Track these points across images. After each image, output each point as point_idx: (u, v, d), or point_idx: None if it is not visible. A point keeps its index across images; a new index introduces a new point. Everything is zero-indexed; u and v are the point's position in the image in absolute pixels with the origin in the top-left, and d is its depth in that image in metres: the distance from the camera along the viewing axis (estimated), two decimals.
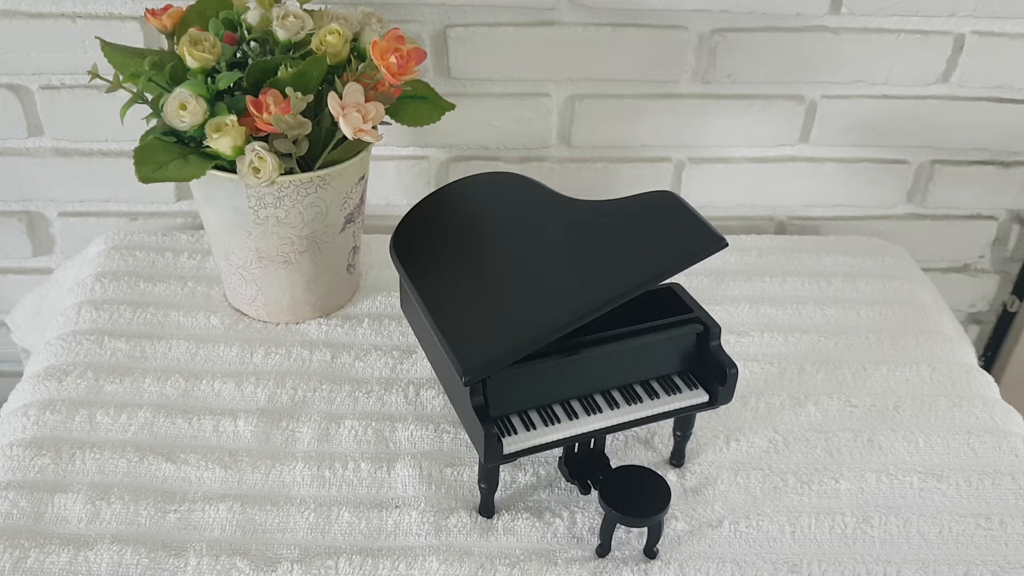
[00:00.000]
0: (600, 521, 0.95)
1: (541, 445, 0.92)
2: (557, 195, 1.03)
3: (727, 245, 0.90)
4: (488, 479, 0.97)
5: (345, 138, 1.04)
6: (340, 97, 1.03)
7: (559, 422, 0.94)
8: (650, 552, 0.96)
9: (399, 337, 1.20)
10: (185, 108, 1.01)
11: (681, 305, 0.99)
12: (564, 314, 0.88)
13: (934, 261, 1.54)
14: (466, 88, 1.32)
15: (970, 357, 1.27)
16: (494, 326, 0.90)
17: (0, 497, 0.98)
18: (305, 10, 1.10)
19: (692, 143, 1.39)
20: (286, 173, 1.06)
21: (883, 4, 1.28)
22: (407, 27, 1.26)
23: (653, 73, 1.32)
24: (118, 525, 0.96)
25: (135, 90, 1.05)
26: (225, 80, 1.03)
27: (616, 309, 0.89)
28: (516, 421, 0.93)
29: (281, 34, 1.07)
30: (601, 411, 0.95)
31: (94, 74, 1.04)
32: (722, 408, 1.10)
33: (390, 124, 1.12)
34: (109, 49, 1.08)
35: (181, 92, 1.01)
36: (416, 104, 1.13)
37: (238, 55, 1.11)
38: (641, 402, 0.96)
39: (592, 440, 1.02)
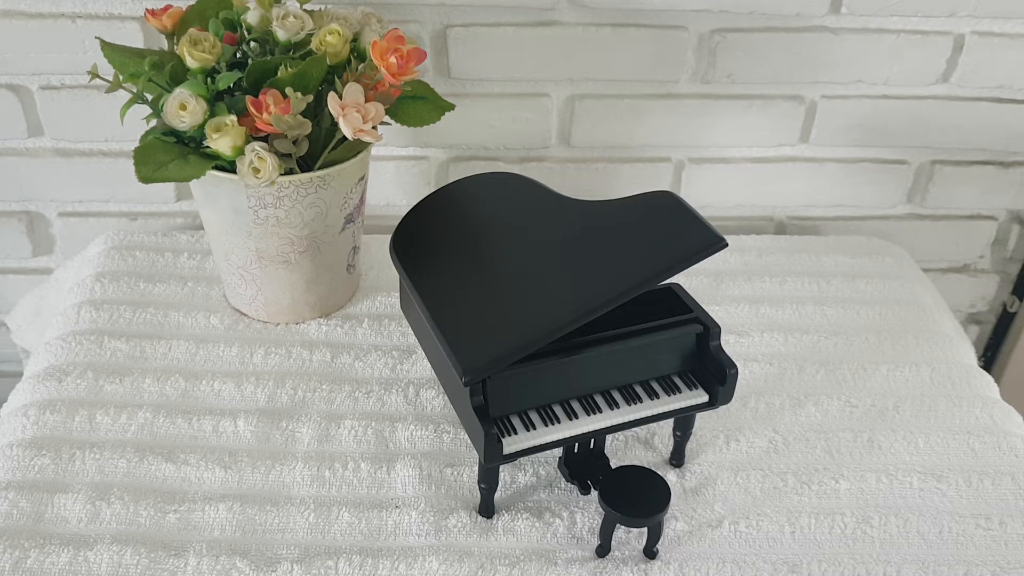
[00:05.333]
0: (600, 521, 0.95)
1: (541, 445, 0.92)
2: (557, 195, 1.03)
3: (727, 245, 0.90)
4: (488, 479, 0.97)
5: (345, 138, 1.04)
6: (340, 97, 1.03)
7: (559, 422, 0.94)
8: (650, 552, 0.96)
9: (399, 337, 1.20)
10: (185, 108, 1.01)
11: (681, 305, 0.99)
12: (564, 314, 0.88)
13: (934, 261, 1.54)
14: (466, 88, 1.32)
15: (970, 357, 1.27)
16: (494, 326, 0.90)
17: (0, 497, 0.98)
18: (305, 10, 1.10)
19: (692, 143, 1.39)
20: (286, 173, 1.06)
21: (883, 4, 1.28)
22: (407, 27, 1.26)
23: (653, 73, 1.32)
24: (118, 525, 0.96)
25: (135, 90, 1.05)
26: (225, 80, 1.03)
27: (616, 309, 0.89)
28: (516, 421, 0.93)
29: (281, 34, 1.07)
30: (601, 411, 0.95)
31: (94, 74, 1.04)
32: (722, 408, 1.10)
33: (390, 124, 1.12)
34: (109, 49, 1.08)
35: (181, 92, 1.01)
36: (416, 104, 1.13)
37: (238, 55, 1.11)
38: (641, 402, 0.96)
39: (592, 440, 1.02)
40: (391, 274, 1.25)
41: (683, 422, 1.03)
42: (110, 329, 1.19)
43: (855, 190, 1.45)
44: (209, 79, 1.04)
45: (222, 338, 1.19)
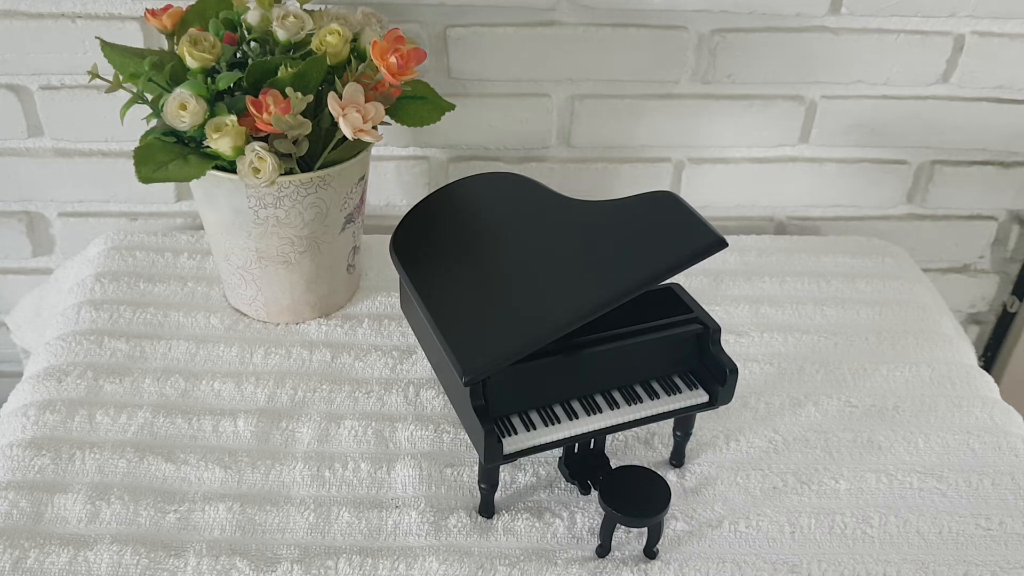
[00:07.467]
0: (600, 521, 0.95)
1: (541, 445, 0.92)
2: (557, 195, 1.03)
3: (727, 245, 0.90)
4: (488, 479, 0.97)
5: (345, 138, 1.04)
6: (340, 97, 1.03)
7: (559, 422, 0.94)
8: (650, 552, 0.96)
9: (399, 337, 1.20)
10: (185, 108, 1.01)
11: (681, 305, 0.99)
12: (564, 314, 0.88)
13: (934, 261, 1.54)
14: (466, 88, 1.32)
15: (970, 357, 1.27)
16: (494, 326, 0.90)
17: (0, 497, 0.98)
18: (305, 10, 1.10)
19: (692, 143, 1.39)
20: (286, 173, 1.06)
21: (883, 4, 1.28)
22: (407, 27, 1.26)
23: (653, 73, 1.32)
24: (118, 525, 0.96)
25: (135, 90, 1.05)
26: (225, 80, 1.03)
27: (616, 309, 0.89)
28: (516, 421, 0.93)
29: (281, 34, 1.07)
30: (601, 411, 0.95)
31: (94, 74, 1.04)
32: (722, 408, 1.10)
33: (390, 124, 1.12)
34: (109, 49, 1.08)
35: (181, 92, 1.01)
36: (416, 104, 1.13)
37: (238, 55, 1.11)
38: (641, 402, 0.96)
39: (592, 440, 1.02)
40: (391, 274, 1.25)
41: (683, 422, 1.03)
42: (110, 329, 1.19)
43: (855, 190, 1.45)
44: (209, 79, 1.04)
45: (222, 338, 1.19)
